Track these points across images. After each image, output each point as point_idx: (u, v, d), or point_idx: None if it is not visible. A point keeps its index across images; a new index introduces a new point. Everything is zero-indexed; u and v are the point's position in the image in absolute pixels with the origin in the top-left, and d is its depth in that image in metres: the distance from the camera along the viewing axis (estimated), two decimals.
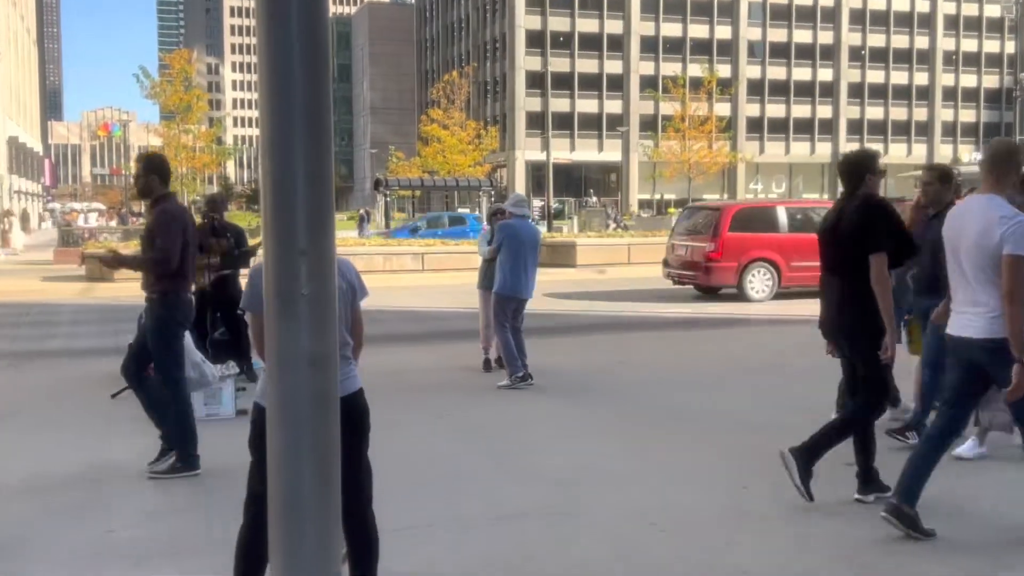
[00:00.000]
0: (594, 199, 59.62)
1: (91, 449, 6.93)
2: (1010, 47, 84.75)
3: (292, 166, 1.69)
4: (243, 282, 10.95)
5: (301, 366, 1.71)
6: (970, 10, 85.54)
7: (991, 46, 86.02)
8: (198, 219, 11.31)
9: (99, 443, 7.14)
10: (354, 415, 3.66)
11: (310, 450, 1.73)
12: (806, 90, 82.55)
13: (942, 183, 6.48)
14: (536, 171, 72.74)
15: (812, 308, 6.80)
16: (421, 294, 18.75)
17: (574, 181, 77.33)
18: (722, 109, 72.83)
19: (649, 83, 75.48)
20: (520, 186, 72.95)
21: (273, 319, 1.71)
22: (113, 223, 46.98)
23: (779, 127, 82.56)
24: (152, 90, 51.24)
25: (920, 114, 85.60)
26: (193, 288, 9.30)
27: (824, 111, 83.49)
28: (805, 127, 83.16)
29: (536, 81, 73.50)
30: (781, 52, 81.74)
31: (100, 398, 8.57)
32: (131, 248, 21.24)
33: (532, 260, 9.18)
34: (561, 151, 71.72)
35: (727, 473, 6.11)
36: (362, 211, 49.44)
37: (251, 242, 9.55)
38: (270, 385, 1.73)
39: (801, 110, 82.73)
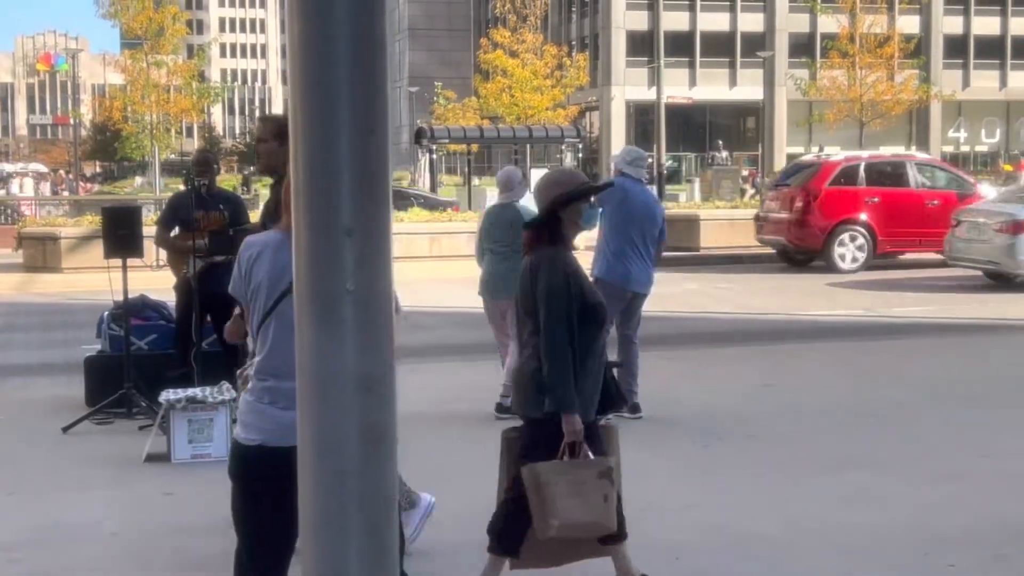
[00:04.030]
0: (724, 154, 59.18)
1: (36, 506, 7.08)
2: None
3: (333, 110, 1.69)
4: None
5: (346, 391, 1.72)
6: None
7: None
8: (178, 185, 11.50)
9: (48, 496, 7.29)
10: None
11: (358, 510, 1.73)
12: None
13: (279, 142, 6.41)
14: (641, 115, 72.38)
15: None
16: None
17: (695, 129, 76.64)
18: (909, 24, 71.55)
19: None
20: (619, 135, 72.72)
21: (307, 327, 1.73)
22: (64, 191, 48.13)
23: (992, 50, 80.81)
24: (111, 7, 52.22)
25: None
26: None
27: None
28: None
29: None
30: None
31: (46, 432, 8.77)
32: (83, 226, 21.71)
33: (645, 240, 9.23)
34: (677, 86, 71.24)
35: (919, 544, 6.02)
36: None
37: (253, 217, 9.67)
38: (303, 420, 1.74)
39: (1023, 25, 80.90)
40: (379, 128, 1.72)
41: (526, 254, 5.14)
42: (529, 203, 9.23)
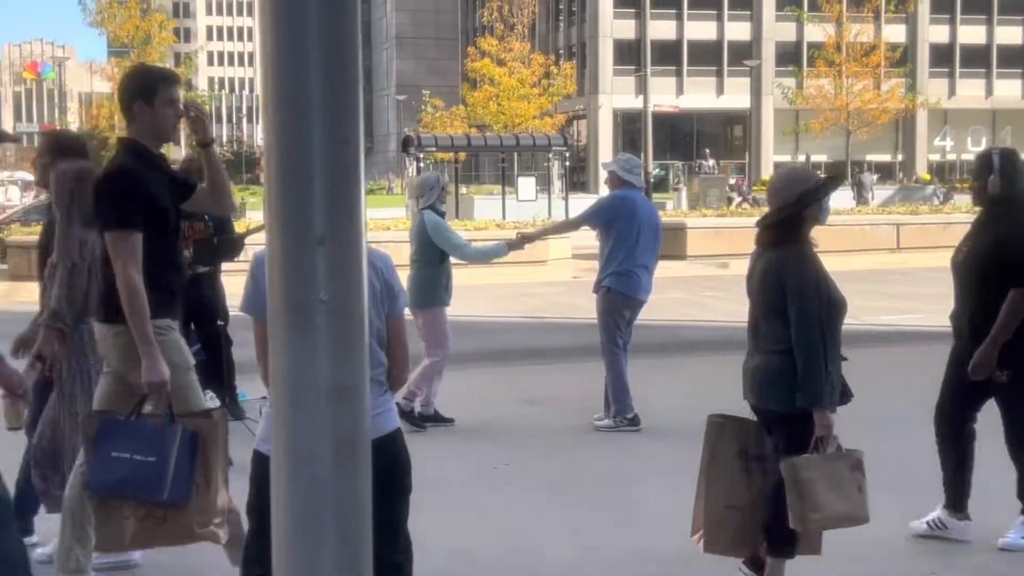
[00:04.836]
0: (711, 162, 59.35)
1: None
2: None
3: (306, 120, 1.69)
4: (226, 281, 11.20)
5: (319, 400, 1.72)
6: None
7: None
8: None
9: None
10: (388, 466, 3.68)
11: (332, 519, 1.73)
12: (1017, 5, 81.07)
13: (51, 157, 6.34)
14: (628, 123, 72.52)
15: None
16: (470, 296, 18.80)
17: (682, 137, 76.79)
18: (895, 33, 71.85)
19: None
20: (606, 144, 72.89)
21: (280, 336, 1.73)
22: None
23: (977, 59, 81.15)
24: (98, 15, 52.21)
25: None
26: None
27: None
28: (1015, 58, 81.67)
29: None
30: None
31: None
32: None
33: (652, 250, 9.36)
34: (664, 95, 71.41)
35: (907, 551, 6.02)
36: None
37: (238, 227, 9.67)
38: (277, 427, 1.74)
39: (1008, 34, 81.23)
40: (352, 138, 1.72)
41: (764, 251, 5.21)
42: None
